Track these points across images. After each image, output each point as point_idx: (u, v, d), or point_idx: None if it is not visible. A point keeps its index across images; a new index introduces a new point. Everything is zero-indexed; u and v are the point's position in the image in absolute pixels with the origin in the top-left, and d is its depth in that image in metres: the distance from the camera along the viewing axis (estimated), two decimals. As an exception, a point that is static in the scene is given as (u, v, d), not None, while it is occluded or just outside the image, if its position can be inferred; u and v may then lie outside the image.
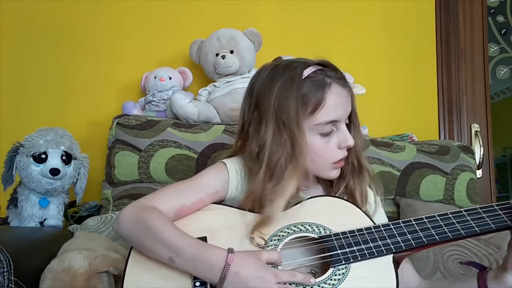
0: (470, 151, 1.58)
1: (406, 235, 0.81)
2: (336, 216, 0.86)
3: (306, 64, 0.89)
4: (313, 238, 0.83)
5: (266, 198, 0.84)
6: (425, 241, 0.80)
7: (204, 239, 0.82)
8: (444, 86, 1.92)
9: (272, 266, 0.79)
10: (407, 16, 1.92)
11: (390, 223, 0.83)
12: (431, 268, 1.21)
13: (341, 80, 0.90)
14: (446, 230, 0.80)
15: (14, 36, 1.72)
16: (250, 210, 0.86)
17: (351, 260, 0.78)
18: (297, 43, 1.81)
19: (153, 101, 1.55)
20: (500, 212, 0.81)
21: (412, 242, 0.80)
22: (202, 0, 1.78)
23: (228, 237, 0.83)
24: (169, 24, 1.77)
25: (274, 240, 0.82)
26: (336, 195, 0.92)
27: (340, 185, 0.94)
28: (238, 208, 0.88)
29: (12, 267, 0.88)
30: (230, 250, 0.76)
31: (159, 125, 1.42)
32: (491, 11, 2.53)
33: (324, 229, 0.83)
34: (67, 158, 1.23)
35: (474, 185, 1.52)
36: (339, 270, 0.78)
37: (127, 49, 1.74)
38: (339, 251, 0.79)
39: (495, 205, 0.82)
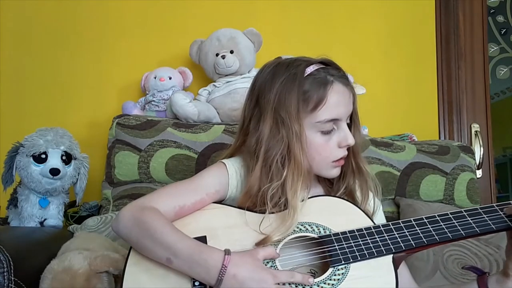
0: (470, 151, 1.58)
1: (406, 235, 0.80)
2: (336, 216, 0.86)
3: (308, 62, 0.89)
4: (313, 238, 0.83)
5: (265, 196, 0.84)
6: (425, 242, 0.79)
7: (203, 238, 0.82)
8: (444, 86, 1.92)
9: (272, 266, 0.79)
10: (407, 16, 1.92)
11: (390, 223, 0.83)
12: (431, 268, 1.21)
13: (343, 78, 0.90)
14: (446, 230, 0.80)
15: (14, 36, 1.72)
16: (248, 209, 0.86)
17: (351, 260, 0.78)
18: (297, 43, 1.81)
19: (153, 101, 1.55)
20: (500, 212, 0.81)
21: (412, 242, 0.80)
22: (202, 0, 1.78)
23: (227, 236, 0.83)
24: (169, 24, 1.77)
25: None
26: (336, 195, 0.92)
27: (340, 185, 0.94)
28: (238, 207, 0.88)
29: (12, 267, 0.88)
30: (227, 252, 0.75)
31: (159, 125, 1.42)
32: (491, 11, 2.54)
33: (324, 229, 0.83)
34: (67, 158, 1.23)
35: (474, 185, 1.52)
36: (338, 270, 0.78)
37: (127, 49, 1.74)
38: (338, 251, 0.79)
39: (496, 205, 0.82)
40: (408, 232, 0.81)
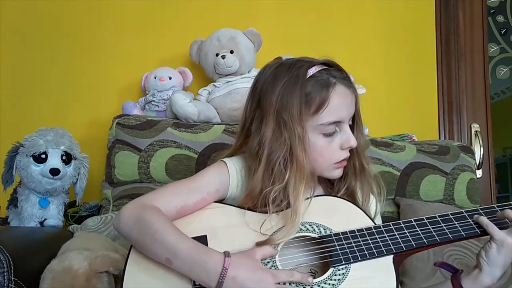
0: (470, 151, 1.58)
1: (407, 235, 0.81)
2: (336, 216, 0.86)
3: (311, 63, 0.89)
4: (314, 238, 0.83)
5: (267, 198, 0.83)
6: (426, 242, 0.80)
7: (204, 237, 0.82)
8: (444, 86, 1.92)
9: (272, 266, 0.79)
10: (407, 16, 1.92)
11: (390, 223, 0.83)
12: (431, 268, 1.21)
13: (346, 80, 0.89)
14: (447, 231, 0.80)
15: (14, 36, 1.72)
16: (249, 209, 0.86)
17: (351, 260, 0.78)
18: (297, 43, 1.81)
19: (153, 101, 1.55)
20: (500, 213, 0.81)
21: (413, 243, 0.80)
22: (202, 0, 1.78)
23: (228, 236, 0.83)
24: (169, 24, 1.76)
25: (274, 239, 0.82)
26: (337, 196, 0.92)
27: (341, 186, 0.94)
28: (239, 207, 0.88)
29: (12, 267, 0.88)
30: (227, 254, 0.75)
31: (159, 125, 1.42)
32: (491, 11, 2.54)
33: (324, 229, 0.83)
34: (67, 158, 1.23)
35: (474, 185, 1.52)
36: (339, 270, 0.78)
37: (127, 49, 1.73)
38: (339, 251, 0.79)
39: (496, 206, 0.82)
40: (408, 232, 0.81)
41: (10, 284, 0.87)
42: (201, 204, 0.88)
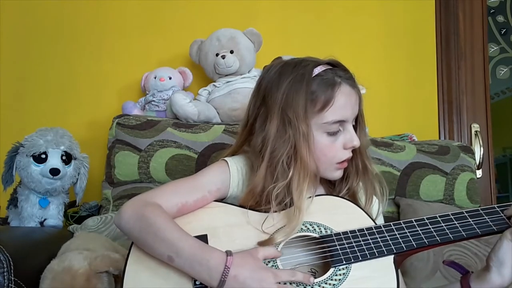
0: (470, 151, 1.58)
1: (407, 235, 0.80)
2: (337, 215, 0.86)
3: (316, 62, 0.89)
4: (314, 238, 0.83)
5: (270, 196, 0.83)
6: (426, 242, 0.79)
7: (204, 237, 0.82)
8: (444, 86, 1.92)
9: (273, 266, 0.79)
10: (407, 16, 1.92)
11: (391, 223, 0.83)
12: (431, 268, 1.21)
13: (351, 80, 0.90)
14: (448, 231, 0.80)
15: (14, 36, 1.72)
16: (251, 208, 0.86)
17: (352, 260, 0.78)
18: (297, 43, 1.81)
19: (153, 101, 1.55)
20: (501, 214, 0.81)
21: (413, 243, 0.79)
22: (202, 0, 1.78)
23: (229, 235, 0.83)
24: (169, 24, 1.76)
25: (275, 239, 0.82)
26: (339, 196, 0.92)
27: (342, 186, 0.94)
28: (240, 206, 0.88)
29: (12, 267, 0.88)
30: (229, 253, 0.75)
31: (159, 125, 1.42)
32: (491, 11, 2.54)
33: (325, 229, 0.83)
34: (67, 158, 1.23)
35: (474, 185, 1.52)
36: (339, 270, 0.78)
37: (127, 49, 1.73)
38: (340, 251, 0.79)
39: (496, 206, 0.82)
40: (409, 232, 0.81)
41: (10, 284, 0.87)
42: (202, 203, 0.88)
